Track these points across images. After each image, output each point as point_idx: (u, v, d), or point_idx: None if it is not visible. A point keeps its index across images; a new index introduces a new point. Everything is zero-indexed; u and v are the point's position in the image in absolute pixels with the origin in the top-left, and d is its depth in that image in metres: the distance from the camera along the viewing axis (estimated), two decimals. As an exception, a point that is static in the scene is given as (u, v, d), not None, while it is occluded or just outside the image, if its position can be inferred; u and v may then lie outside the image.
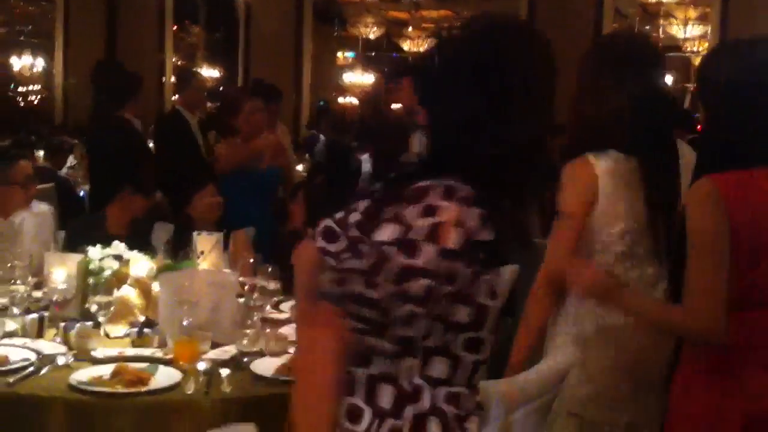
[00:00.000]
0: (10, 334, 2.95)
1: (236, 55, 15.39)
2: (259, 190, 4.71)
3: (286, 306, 3.37)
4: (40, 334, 2.98)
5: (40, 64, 16.14)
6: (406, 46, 19.67)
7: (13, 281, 3.17)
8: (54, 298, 3.03)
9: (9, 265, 3.27)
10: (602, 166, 2.63)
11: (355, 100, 19.53)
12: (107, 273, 3.19)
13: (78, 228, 4.15)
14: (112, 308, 3.00)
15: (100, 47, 14.51)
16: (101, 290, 3.12)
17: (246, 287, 3.13)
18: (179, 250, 3.48)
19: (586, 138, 2.69)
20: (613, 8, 15.00)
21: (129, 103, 5.91)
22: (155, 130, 6.92)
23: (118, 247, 3.31)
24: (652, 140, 2.67)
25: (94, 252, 3.26)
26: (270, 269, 3.23)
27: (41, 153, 8.55)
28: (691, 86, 20.76)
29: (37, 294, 3.18)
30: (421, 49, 19.71)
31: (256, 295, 3.09)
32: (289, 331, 3.01)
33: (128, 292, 3.10)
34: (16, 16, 17.03)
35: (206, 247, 3.40)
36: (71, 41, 14.63)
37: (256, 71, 15.10)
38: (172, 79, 14.01)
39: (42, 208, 4.22)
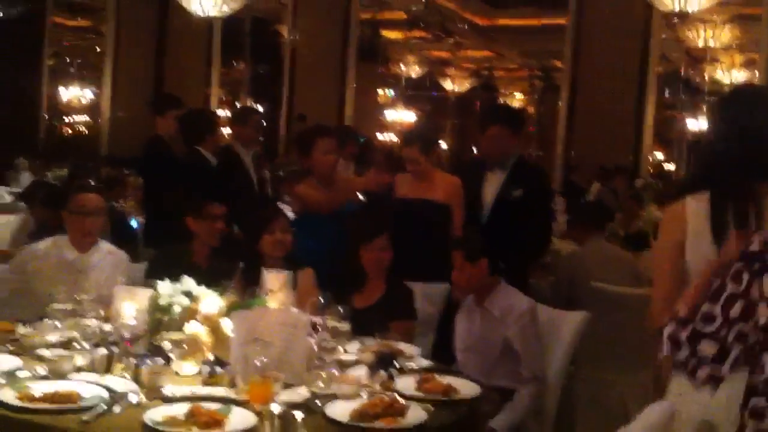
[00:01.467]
0: (78, 369, 2.93)
1: (280, 91, 15.49)
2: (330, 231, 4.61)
3: (354, 347, 3.31)
4: (108, 370, 2.96)
5: (88, 95, 16.36)
6: (448, 85, 19.76)
7: (81, 315, 3.15)
8: (125, 334, 3.01)
9: (77, 298, 3.27)
10: None
11: (394, 137, 19.56)
12: (177, 309, 3.18)
13: (161, 258, 4.24)
14: (184, 346, 2.97)
15: (148, 80, 14.70)
16: (171, 326, 3.10)
17: (317, 327, 3.09)
18: (247, 288, 3.44)
19: None
20: (659, 53, 14.95)
21: (206, 140, 6.01)
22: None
23: (188, 282, 3.29)
24: None
25: (164, 287, 3.25)
26: (341, 310, 3.18)
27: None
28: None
29: (107, 328, 3.15)
30: (462, 89, 19.79)
31: (327, 336, 3.05)
32: (359, 373, 2.96)
33: (198, 330, 3.08)
34: (67, 48, 17.32)
35: (275, 285, 3.36)
36: (119, 74, 14.85)
37: (300, 107, 15.24)
38: (219, 112, 14.17)
39: (117, 251, 4.25)
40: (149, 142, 6.51)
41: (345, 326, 3.10)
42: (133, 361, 2.90)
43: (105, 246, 4.20)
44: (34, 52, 13.98)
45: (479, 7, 17.43)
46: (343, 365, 3.05)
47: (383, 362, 2.97)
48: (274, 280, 3.37)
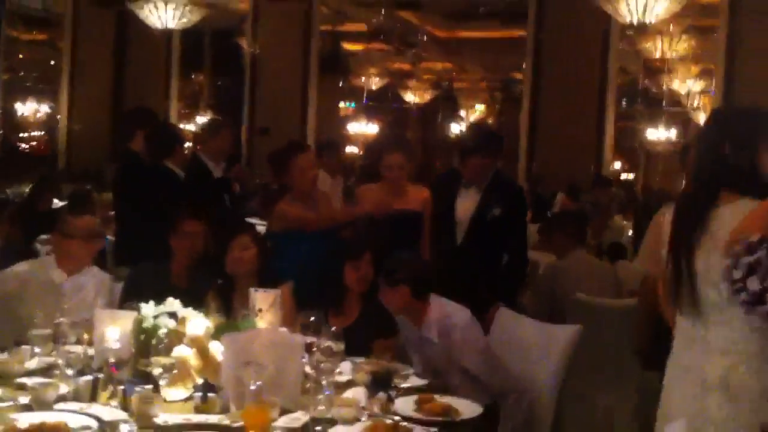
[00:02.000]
0: (62, 398, 2.79)
1: (241, 104, 15.35)
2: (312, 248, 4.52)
3: (346, 367, 3.21)
4: (93, 398, 2.82)
5: (44, 109, 16.08)
6: (408, 96, 19.76)
7: (63, 340, 3.00)
8: (110, 359, 2.85)
9: (55, 322, 3.12)
10: None
11: (356, 149, 19.51)
12: (162, 331, 3.04)
13: (138, 277, 4.07)
14: (174, 371, 2.85)
15: (106, 94, 14.50)
16: (157, 350, 2.97)
17: (313, 348, 2.97)
18: (230, 308, 3.34)
19: None
20: (617, 65, 15.10)
21: (174, 154, 5.87)
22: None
23: (173, 303, 3.16)
24: None
25: (148, 309, 3.10)
26: (333, 330, 3.06)
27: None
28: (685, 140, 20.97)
29: (91, 353, 3.01)
30: (423, 100, 19.81)
31: (321, 357, 2.90)
32: (356, 395, 2.87)
33: (186, 353, 2.93)
34: (22, 62, 17.01)
35: (264, 304, 3.23)
36: (77, 87, 14.63)
37: (261, 120, 15.11)
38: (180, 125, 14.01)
39: (101, 273, 4.09)
40: (122, 156, 6.31)
41: (340, 346, 2.98)
42: (120, 387, 2.78)
43: (94, 268, 4.05)
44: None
45: (439, 20, 17.47)
46: (337, 386, 2.95)
47: (380, 383, 2.88)
48: (263, 299, 3.24)
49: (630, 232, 7.94)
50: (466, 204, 4.55)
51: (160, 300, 3.14)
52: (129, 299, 3.24)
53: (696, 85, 17.53)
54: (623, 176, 19.80)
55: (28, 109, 16.22)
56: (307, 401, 2.75)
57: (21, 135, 16.89)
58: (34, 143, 17.04)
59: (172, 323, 3.06)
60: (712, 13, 13.73)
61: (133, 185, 5.84)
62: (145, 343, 2.99)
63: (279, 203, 4.76)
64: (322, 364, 2.84)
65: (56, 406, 2.71)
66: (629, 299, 4.46)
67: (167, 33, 11.45)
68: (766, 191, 2.47)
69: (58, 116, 14.97)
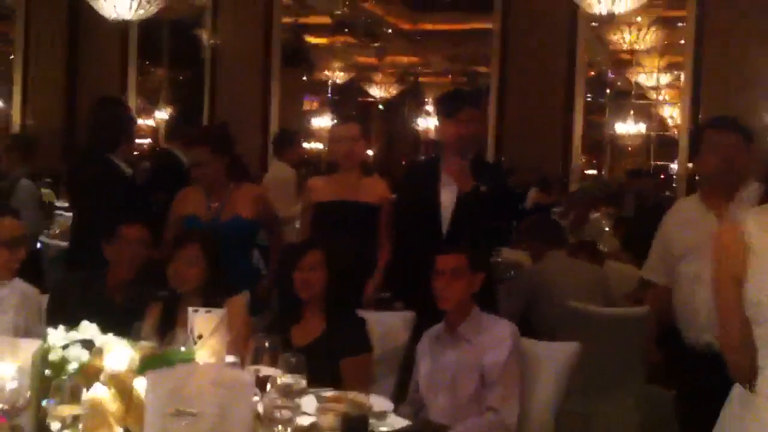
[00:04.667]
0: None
1: (201, 97, 14.94)
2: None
3: (310, 404, 2.65)
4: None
5: (-4, 105, 15.58)
6: (374, 90, 19.44)
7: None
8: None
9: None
10: None
11: (320, 145, 19.14)
12: (73, 366, 2.36)
13: (64, 292, 3.56)
14: (80, 425, 2.13)
15: (61, 89, 14.05)
16: (59, 393, 2.23)
17: (266, 385, 2.44)
18: (166, 332, 2.69)
19: None
20: (585, 58, 14.91)
21: (122, 146, 5.34)
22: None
23: (88, 329, 2.50)
24: None
25: (56, 337, 2.41)
26: (294, 360, 2.46)
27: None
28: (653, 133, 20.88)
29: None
30: (389, 94, 19.50)
31: (277, 397, 2.31)
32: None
33: (101, 394, 2.26)
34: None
35: (206, 329, 2.56)
36: (30, 82, 14.15)
37: (222, 114, 14.72)
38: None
39: (29, 288, 3.50)
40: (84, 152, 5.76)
41: (301, 383, 2.42)
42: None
43: (15, 281, 3.46)
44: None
45: (404, 12, 17.17)
46: (298, 431, 2.42)
47: (353, 429, 2.38)
48: (203, 322, 2.58)
49: (608, 228, 7.65)
50: (450, 191, 4.13)
51: (94, 320, 2.54)
52: (53, 320, 2.68)
53: (663, 78, 17.41)
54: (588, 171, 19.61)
55: (-22, 105, 15.67)
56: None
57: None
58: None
59: (85, 355, 2.38)
60: (679, 5, 13.59)
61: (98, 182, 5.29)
62: (54, 382, 2.27)
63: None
64: (278, 412, 2.27)
65: None
66: (631, 308, 4.11)
67: (123, 25, 11.02)
68: None
69: (11, 113, 14.47)
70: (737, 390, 2.27)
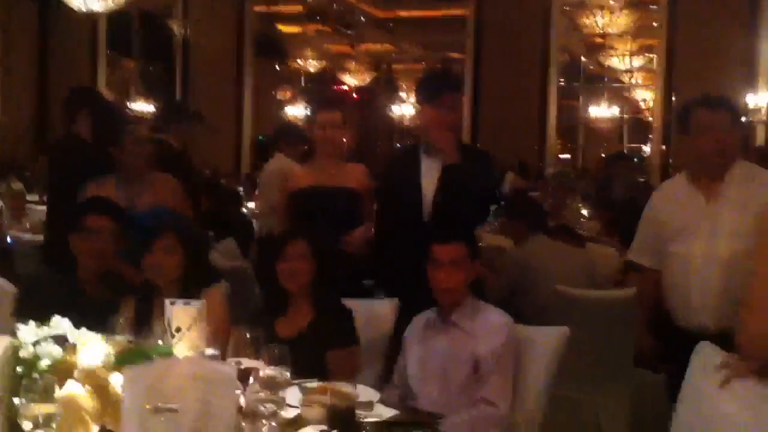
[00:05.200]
0: None
1: (173, 89, 14.79)
2: None
3: (293, 396, 2.51)
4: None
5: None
6: (348, 78, 19.33)
7: None
8: None
9: None
10: None
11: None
12: (45, 363, 2.23)
13: (36, 284, 3.41)
14: (53, 424, 2.03)
15: (31, 82, 13.85)
16: (30, 392, 2.09)
17: (248, 375, 2.33)
18: (142, 326, 2.58)
19: None
20: (558, 42, 14.93)
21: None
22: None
23: (60, 324, 2.36)
24: None
25: (27, 332, 2.29)
26: (277, 351, 2.34)
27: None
28: (626, 116, 20.95)
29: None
30: (363, 82, 19.40)
31: (260, 390, 2.21)
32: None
33: (76, 392, 2.15)
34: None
35: (184, 322, 2.48)
36: (1, 76, 13.92)
37: (195, 106, 14.60)
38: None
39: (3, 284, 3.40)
40: (64, 141, 5.61)
41: (284, 374, 2.29)
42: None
43: None
44: None
45: (377, -1, 17.10)
46: (282, 424, 2.30)
47: (339, 421, 2.27)
48: (181, 314, 2.49)
49: (585, 212, 7.62)
50: (430, 175, 4.04)
51: (67, 315, 2.39)
52: (23, 315, 2.45)
53: (636, 61, 17.44)
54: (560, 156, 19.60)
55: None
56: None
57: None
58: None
59: (58, 351, 2.25)
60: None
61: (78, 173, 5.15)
62: (24, 381, 2.14)
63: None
64: (262, 405, 2.16)
65: None
66: (618, 291, 4.05)
67: (92, 16, 10.83)
68: None
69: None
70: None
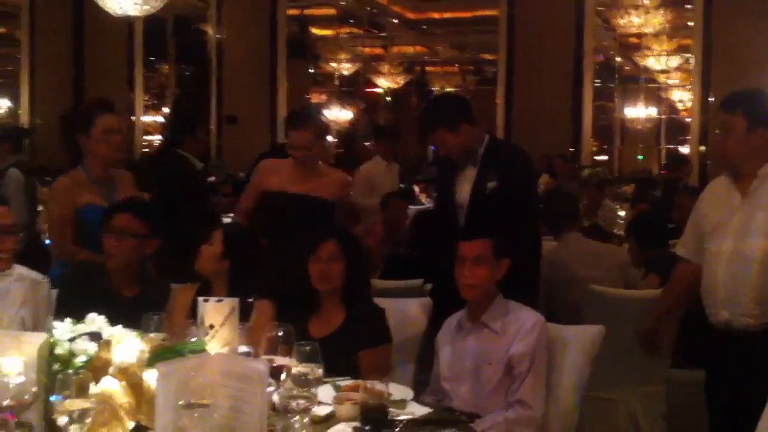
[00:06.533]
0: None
1: (208, 92, 14.88)
2: None
3: (326, 393, 2.55)
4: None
5: (5, 104, 15.53)
6: (380, 81, 19.32)
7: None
8: (5, 402, 2.01)
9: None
10: None
11: (330, 138, 19.04)
12: (80, 360, 2.27)
13: (74, 281, 3.44)
14: (88, 419, 2.04)
15: (68, 87, 14.01)
16: (71, 385, 2.10)
17: (281, 374, 2.35)
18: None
19: None
20: (592, 43, 14.80)
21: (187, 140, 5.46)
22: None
23: (95, 321, 2.42)
24: None
25: (62, 330, 2.34)
26: (309, 348, 2.35)
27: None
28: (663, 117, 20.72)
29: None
30: (396, 85, 19.39)
31: (292, 387, 2.22)
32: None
33: (111, 388, 2.21)
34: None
35: (217, 319, 2.52)
36: (37, 81, 14.14)
37: (229, 108, 14.70)
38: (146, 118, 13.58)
39: (32, 274, 3.38)
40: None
41: (317, 372, 2.29)
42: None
43: (17, 270, 3.33)
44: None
45: (409, 1, 17.08)
46: (315, 421, 2.34)
47: (372, 419, 2.28)
48: (213, 311, 2.52)
49: (623, 213, 7.55)
50: (463, 184, 4.05)
51: (102, 312, 2.46)
52: (60, 313, 2.54)
53: (672, 61, 17.25)
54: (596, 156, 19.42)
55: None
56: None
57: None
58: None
59: (92, 347, 2.29)
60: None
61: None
62: (60, 377, 2.13)
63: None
64: (294, 402, 2.17)
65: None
66: (653, 290, 4.00)
67: (128, 21, 10.94)
68: None
69: (20, 111, 14.44)
70: None
